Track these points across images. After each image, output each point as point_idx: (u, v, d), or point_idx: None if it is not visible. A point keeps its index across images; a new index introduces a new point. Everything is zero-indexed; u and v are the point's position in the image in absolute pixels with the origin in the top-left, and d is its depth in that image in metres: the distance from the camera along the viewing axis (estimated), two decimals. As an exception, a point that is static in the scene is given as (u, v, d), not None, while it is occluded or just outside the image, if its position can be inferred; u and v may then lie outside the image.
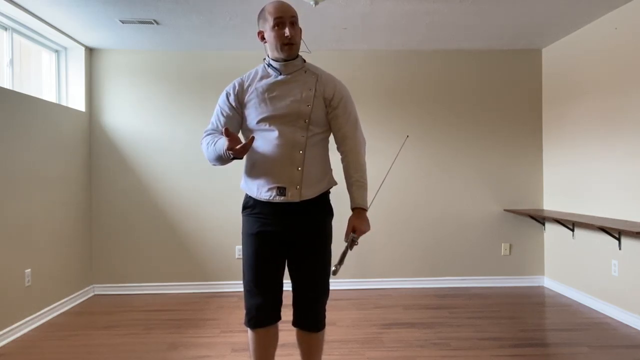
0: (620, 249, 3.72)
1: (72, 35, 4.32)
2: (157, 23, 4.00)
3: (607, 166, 3.88)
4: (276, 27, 1.95)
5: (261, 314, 2.05)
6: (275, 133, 1.96)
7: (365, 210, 2.10)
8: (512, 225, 4.93)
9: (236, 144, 1.81)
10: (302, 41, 2.09)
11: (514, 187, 4.93)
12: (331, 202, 2.19)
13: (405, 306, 4.19)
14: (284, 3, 1.98)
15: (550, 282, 4.79)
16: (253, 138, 1.81)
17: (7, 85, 3.76)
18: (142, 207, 4.76)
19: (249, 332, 2.11)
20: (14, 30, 3.87)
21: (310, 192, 2.01)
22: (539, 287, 4.85)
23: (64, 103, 4.59)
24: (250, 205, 2.06)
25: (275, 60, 2.02)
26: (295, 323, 2.11)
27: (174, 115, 4.77)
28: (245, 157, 2.04)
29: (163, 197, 4.78)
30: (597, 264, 4.01)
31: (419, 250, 4.90)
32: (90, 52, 4.73)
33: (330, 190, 2.16)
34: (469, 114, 4.92)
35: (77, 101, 4.62)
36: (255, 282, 2.03)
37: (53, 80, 4.52)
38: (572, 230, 4.36)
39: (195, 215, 4.79)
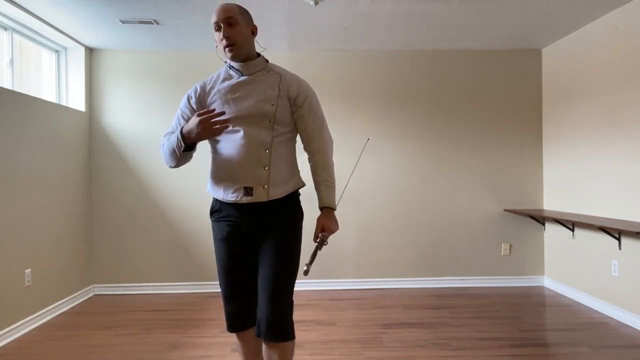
0: (620, 249, 3.72)
1: (72, 35, 4.32)
2: (157, 23, 4.00)
3: (607, 166, 3.88)
4: (216, 32, 1.97)
5: (240, 318, 2.04)
6: (240, 133, 1.94)
7: (333, 209, 2.04)
8: (512, 225, 4.93)
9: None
10: (256, 39, 2.08)
11: (514, 187, 4.93)
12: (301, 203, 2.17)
13: (405, 306, 4.19)
14: (222, 6, 1.96)
15: (550, 282, 4.78)
16: (226, 119, 1.84)
17: (7, 85, 3.76)
18: (142, 207, 4.76)
19: (236, 336, 2.10)
20: (14, 30, 3.87)
21: (277, 192, 1.97)
22: (539, 287, 4.85)
23: (64, 103, 4.59)
24: (217, 209, 2.04)
25: (231, 61, 2.02)
26: (260, 333, 1.93)
27: (173, 115, 4.76)
28: (211, 159, 2.04)
29: (163, 197, 4.78)
30: (597, 264, 4.01)
31: (419, 250, 4.90)
32: (90, 52, 4.73)
33: (300, 191, 2.14)
34: (469, 114, 4.92)
35: (77, 101, 4.62)
36: (231, 288, 2.01)
37: (53, 80, 4.52)
38: (572, 230, 4.36)
39: (195, 214, 4.79)
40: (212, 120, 1.82)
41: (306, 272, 1.91)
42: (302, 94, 2.04)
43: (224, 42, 1.94)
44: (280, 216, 2.01)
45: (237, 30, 1.95)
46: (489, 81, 4.93)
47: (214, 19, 1.95)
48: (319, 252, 2.04)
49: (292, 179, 2.05)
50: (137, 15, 3.81)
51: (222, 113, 1.84)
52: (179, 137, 1.89)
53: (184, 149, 1.92)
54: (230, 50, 1.95)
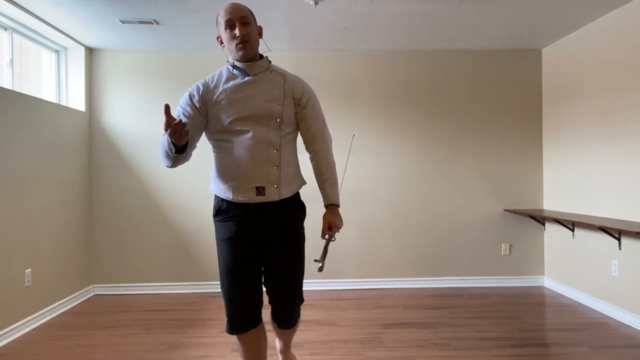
0: (620, 249, 3.72)
1: (72, 35, 4.32)
2: (157, 23, 4.00)
3: (607, 166, 3.88)
4: (228, 29, 1.95)
5: (242, 319, 2.03)
6: (250, 134, 1.95)
7: (338, 206, 2.11)
8: (512, 225, 4.93)
9: (174, 122, 1.73)
10: (262, 40, 2.09)
11: (514, 187, 4.93)
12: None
13: (405, 306, 4.19)
14: (234, 4, 1.98)
15: (550, 282, 4.78)
16: (184, 124, 1.75)
17: (7, 85, 3.76)
18: (142, 207, 4.76)
19: (236, 337, 2.10)
20: (14, 30, 3.87)
21: (287, 191, 2.01)
22: (539, 287, 4.85)
23: (64, 103, 4.59)
24: (224, 209, 2.02)
25: (238, 61, 2.01)
26: (271, 317, 2.21)
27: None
28: (215, 159, 2.03)
29: (163, 197, 4.78)
30: (597, 264, 4.01)
31: (419, 250, 4.90)
32: (90, 52, 4.73)
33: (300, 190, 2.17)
34: (469, 114, 4.92)
35: (77, 101, 4.62)
36: (235, 288, 2.01)
37: (53, 80, 4.52)
38: (572, 230, 4.36)
39: (195, 214, 4.79)
40: (177, 129, 1.74)
41: (321, 269, 1.95)
42: (305, 95, 2.07)
43: (238, 39, 1.93)
44: (287, 215, 2.05)
45: (250, 29, 1.97)
46: (489, 81, 4.93)
47: (226, 17, 1.94)
48: (328, 248, 2.08)
49: (297, 177, 2.10)
50: (137, 15, 3.81)
51: (184, 124, 1.77)
52: (169, 140, 1.85)
53: (176, 151, 1.90)
54: (242, 48, 1.95)
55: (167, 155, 1.93)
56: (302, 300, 2.17)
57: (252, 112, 1.96)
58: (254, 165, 1.94)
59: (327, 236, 2.04)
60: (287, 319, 2.17)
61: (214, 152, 2.06)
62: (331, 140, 2.16)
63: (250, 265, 2.02)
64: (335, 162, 2.15)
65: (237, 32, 1.93)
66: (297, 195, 2.11)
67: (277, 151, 1.98)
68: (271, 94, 2.00)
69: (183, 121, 1.96)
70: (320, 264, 1.94)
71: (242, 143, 1.95)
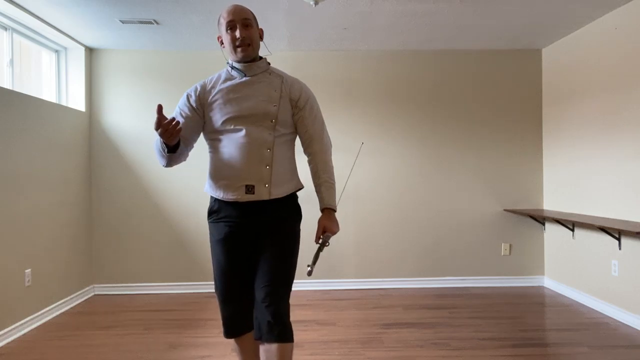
0: (620, 249, 3.72)
1: (72, 35, 4.32)
2: (157, 23, 4.00)
3: (607, 166, 3.88)
4: (229, 30, 1.96)
5: (238, 322, 2.02)
6: (242, 132, 1.94)
7: (334, 210, 2.06)
8: (512, 225, 4.93)
9: (165, 121, 1.75)
10: (262, 43, 2.09)
11: (514, 187, 4.93)
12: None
13: (405, 306, 4.19)
14: (237, 6, 1.98)
15: (550, 282, 4.79)
16: (177, 122, 1.77)
17: (7, 85, 3.76)
18: (142, 207, 4.76)
19: (233, 340, 2.08)
20: (14, 30, 3.87)
21: (279, 191, 1.97)
22: (539, 287, 4.85)
23: (64, 103, 4.59)
24: (216, 210, 2.02)
25: (237, 62, 2.02)
26: (260, 335, 1.89)
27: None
28: (210, 158, 2.04)
29: (163, 197, 4.78)
30: (597, 264, 4.01)
31: (419, 250, 4.90)
32: (90, 52, 4.73)
33: (297, 193, 2.14)
34: (469, 114, 4.92)
35: (77, 101, 4.62)
36: (229, 291, 1.99)
37: (53, 80, 4.52)
38: (572, 230, 4.36)
39: (195, 214, 4.79)
40: (169, 127, 1.77)
41: (309, 273, 1.90)
42: (304, 97, 2.06)
43: (239, 41, 1.95)
44: (280, 217, 2.00)
45: (251, 32, 1.98)
46: (489, 81, 4.93)
47: (228, 17, 1.94)
48: (320, 253, 2.03)
49: (292, 179, 2.06)
50: (137, 15, 3.82)
51: (176, 122, 1.79)
52: (160, 139, 1.88)
53: (168, 151, 1.92)
54: (243, 50, 1.96)
55: (161, 154, 1.95)
56: (289, 307, 1.98)
57: (247, 111, 1.95)
58: (245, 164, 1.93)
59: (320, 241, 1.99)
60: (275, 325, 1.87)
61: (209, 152, 2.06)
62: (330, 144, 2.14)
63: (244, 266, 2.00)
64: (333, 166, 2.13)
65: (237, 33, 1.94)
66: (293, 197, 2.07)
67: (269, 150, 1.95)
68: (268, 94, 1.99)
69: (178, 121, 1.97)
70: (309, 269, 1.89)
71: (235, 141, 1.94)
